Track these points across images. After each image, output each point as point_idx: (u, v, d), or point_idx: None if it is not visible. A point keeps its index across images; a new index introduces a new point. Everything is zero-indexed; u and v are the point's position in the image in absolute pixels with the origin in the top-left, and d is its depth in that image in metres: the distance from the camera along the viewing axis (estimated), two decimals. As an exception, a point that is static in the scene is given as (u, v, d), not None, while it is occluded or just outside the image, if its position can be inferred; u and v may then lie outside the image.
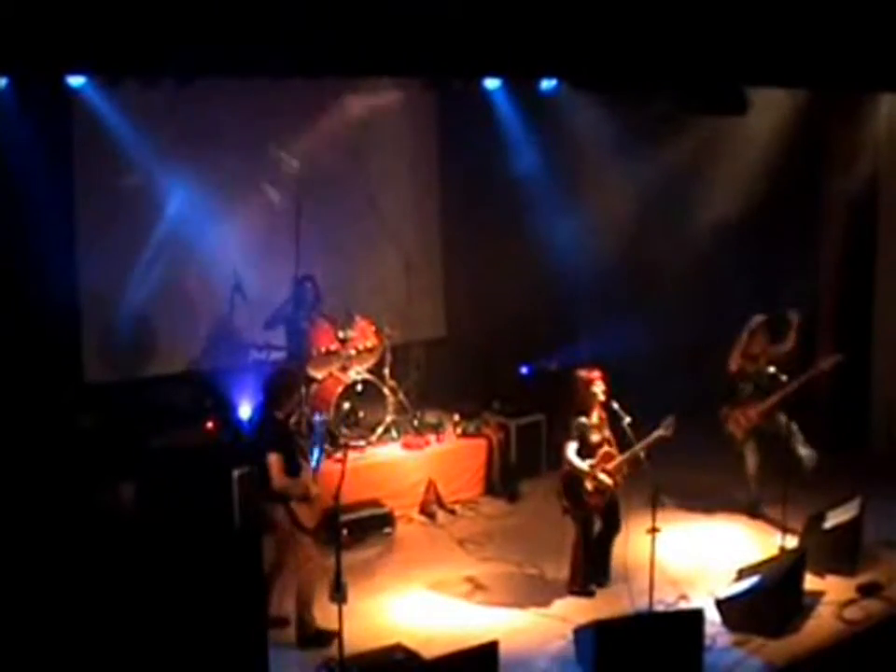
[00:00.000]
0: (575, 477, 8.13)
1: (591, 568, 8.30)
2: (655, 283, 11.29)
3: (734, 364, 9.43)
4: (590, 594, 8.26)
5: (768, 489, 9.43)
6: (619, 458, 8.12)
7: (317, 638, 7.55)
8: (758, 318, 9.44)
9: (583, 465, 8.04)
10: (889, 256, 10.96)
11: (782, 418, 9.33)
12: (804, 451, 9.22)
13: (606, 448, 8.16)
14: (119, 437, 9.46)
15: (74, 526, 7.28)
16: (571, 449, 8.10)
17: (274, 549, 7.64)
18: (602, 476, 8.07)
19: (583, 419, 8.12)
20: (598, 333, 10.18)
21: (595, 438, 8.16)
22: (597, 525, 8.38)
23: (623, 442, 8.13)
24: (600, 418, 8.18)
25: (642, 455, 8.00)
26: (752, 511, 9.65)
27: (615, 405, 8.11)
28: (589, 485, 8.09)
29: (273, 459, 7.41)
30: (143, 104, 9.24)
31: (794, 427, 9.25)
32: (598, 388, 8.11)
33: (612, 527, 8.36)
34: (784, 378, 9.09)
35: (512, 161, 10.99)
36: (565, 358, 10.64)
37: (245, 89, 9.26)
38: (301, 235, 10.38)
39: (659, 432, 8.00)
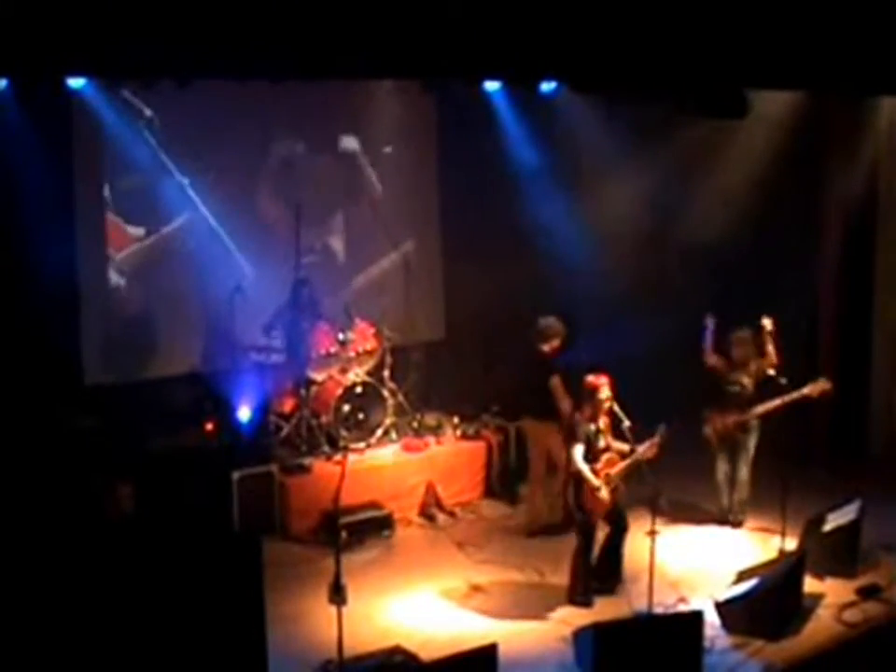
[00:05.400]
0: (579, 481, 8.11)
1: (592, 578, 8.22)
2: (654, 284, 11.28)
3: (709, 360, 9.30)
4: (588, 604, 8.17)
5: (761, 493, 9.44)
6: (621, 464, 8.10)
7: None
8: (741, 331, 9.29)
9: (592, 477, 7.99)
10: (888, 260, 10.95)
11: (752, 439, 9.35)
12: (744, 474, 9.37)
13: (610, 454, 8.15)
14: (118, 439, 9.45)
15: (73, 528, 7.26)
16: (579, 452, 8.07)
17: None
18: (602, 482, 8.05)
19: (591, 425, 8.11)
20: (598, 335, 10.16)
21: (600, 444, 8.15)
22: (603, 530, 8.33)
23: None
24: (605, 424, 8.17)
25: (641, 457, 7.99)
26: (724, 520, 9.58)
27: (615, 408, 8.12)
28: (593, 492, 8.06)
29: None
30: (143, 104, 9.25)
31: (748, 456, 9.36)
32: (605, 394, 8.10)
33: (621, 529, 8.29)
34: (783, 381, 9.05)
35: (512, 163, 11.00)
36: (564, 360, 10.62)
37: (244, 89, 9.26)
38: (301, 237, 10.39)
39: (655, 440, 7.97)
